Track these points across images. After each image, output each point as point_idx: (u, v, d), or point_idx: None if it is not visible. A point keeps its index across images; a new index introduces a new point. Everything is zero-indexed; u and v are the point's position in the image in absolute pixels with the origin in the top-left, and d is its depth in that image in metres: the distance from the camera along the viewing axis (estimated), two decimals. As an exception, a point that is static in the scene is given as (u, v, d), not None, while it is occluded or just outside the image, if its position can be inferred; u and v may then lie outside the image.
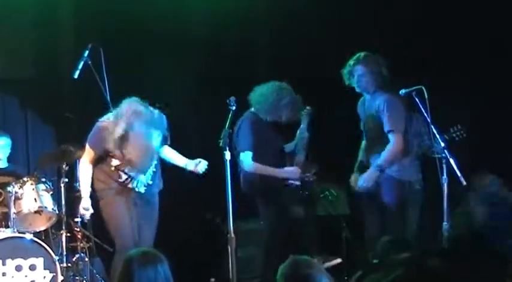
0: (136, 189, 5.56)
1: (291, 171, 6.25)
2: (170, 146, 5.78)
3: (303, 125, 6.48)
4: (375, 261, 4.07)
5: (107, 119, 5.48)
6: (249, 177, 6.19)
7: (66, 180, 6.16)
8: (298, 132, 6.50)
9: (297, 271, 3.28)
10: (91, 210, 5.64)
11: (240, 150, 6.15)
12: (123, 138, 5.31)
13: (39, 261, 5.92)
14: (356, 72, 6.17)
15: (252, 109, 6.29)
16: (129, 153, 5.36)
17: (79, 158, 5.85)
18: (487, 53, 7.10)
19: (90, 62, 5.98)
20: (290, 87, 6.26)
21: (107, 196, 5.55)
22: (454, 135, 6.03)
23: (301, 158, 6.41)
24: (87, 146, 5.60)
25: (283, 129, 6.38)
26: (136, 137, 5.32)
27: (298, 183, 6.25)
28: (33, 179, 6.18)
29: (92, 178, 5.64)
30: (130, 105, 5.33)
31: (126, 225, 5.44)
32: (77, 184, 6.11)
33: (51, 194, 6.18)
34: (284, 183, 6.21)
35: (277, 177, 6.16)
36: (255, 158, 6.13)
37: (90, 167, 5.60)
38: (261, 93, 6.21)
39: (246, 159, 6.12)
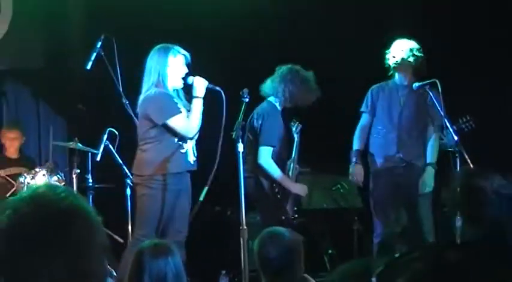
0: (189, 158, 5.34)
1: (300, 188, 5.97)
2: None
3: (297, 139, 6.10)
4: (396, 255, 4.04)
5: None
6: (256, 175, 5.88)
7: (78, 171, 6.15)
8: (295, 144, 6.12)
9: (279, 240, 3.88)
10: None
11: (260, 144, 5.81)
12: None
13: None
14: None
15: (270, 99, 5.95)
16: None
17: None
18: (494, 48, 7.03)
19: (103, 53, 5.94)
20: (300, 68, 5.95)
21: (157, 188, 5.20)
22: (463, 125, 5.96)
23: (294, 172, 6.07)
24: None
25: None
26: None
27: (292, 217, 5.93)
28: (45, 169, 6.18)
29: (147, 161, 5.23)
30: None
31: (157, 219, 5.21)
32: (88, 175, 6.12)
33: (63, 185, 6.17)
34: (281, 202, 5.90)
35: (282, 187, 5.84)
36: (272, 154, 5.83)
37: None
38: (279, 81, 5.86)
39: (266, 154, 5.79)
